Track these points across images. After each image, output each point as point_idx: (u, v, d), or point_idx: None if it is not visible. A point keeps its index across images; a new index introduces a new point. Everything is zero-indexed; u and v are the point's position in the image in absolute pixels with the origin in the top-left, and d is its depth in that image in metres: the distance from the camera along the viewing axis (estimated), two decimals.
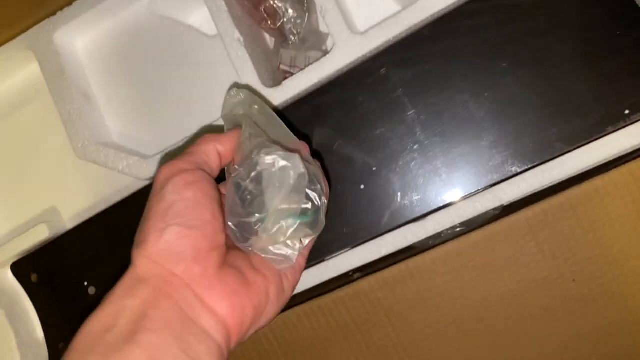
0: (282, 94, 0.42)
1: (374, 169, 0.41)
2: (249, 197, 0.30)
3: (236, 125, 0.35)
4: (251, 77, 0.42)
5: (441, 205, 0.40)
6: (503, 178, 0.39)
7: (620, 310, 0.39)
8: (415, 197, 0.40)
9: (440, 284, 0.40)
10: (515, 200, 0.39)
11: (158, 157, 0.44)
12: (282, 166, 0.30)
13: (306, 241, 0.31)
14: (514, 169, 0.39)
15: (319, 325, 0.42)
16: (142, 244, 0.28)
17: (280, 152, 0.30)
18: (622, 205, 0.37)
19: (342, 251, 0.42)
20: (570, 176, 0.38)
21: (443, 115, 0.40)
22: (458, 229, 0.42)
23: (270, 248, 0.30)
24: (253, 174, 0.30)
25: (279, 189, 0.29)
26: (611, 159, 0.38)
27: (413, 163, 0.40)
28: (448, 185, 0.40)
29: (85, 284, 0.47)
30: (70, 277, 0.47)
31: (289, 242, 0.30)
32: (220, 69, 0.46)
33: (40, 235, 0.48)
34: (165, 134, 0.48)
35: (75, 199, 0.50)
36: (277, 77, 0.46)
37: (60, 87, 0.47)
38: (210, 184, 0.30)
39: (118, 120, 0.49)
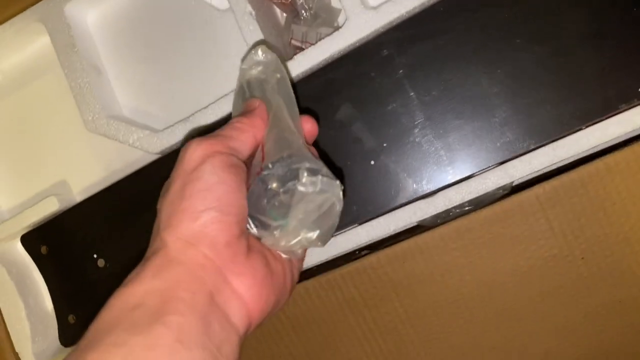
0: (293, 68, 0.42)
1: (385, 145, 0.41)
2: (276, 203, 0.29)
3: (250, 85, 0.34)
4: None
5: (451, 181, 0.40)
6: (514, 155, 0.39)
7: (629, 288, 0.39)
8: (426, 174, 0.40)
9: (449, 260, 0.40)
10: (525, 176, 0.39)
11: (169, 131, 0.44)
12: (322, 190, 0.29)
13: None
14: (526, 146, 0.38)
15: (327, 300, 0.42)
16: (176, 225, 0.27)
17: (324, 178, 0.29)
18: (634, 184, 0.37)
19: (351, 227, 0.42)
20: (581, 153, 0.38)
21: (455, 92, 0.40)
22: (467, 208, 0.42)
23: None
24: (290, 184, 0.29)
25: (310, 210, 0.29)
26: (624, 137, 0.38)
27: (424, 139, 0.40)
28: (459, 161, 0.40)
29: (95, 256, 0.47)
30: (79, 249, 0.48)
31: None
32: (231, 43, 0.46)
33: (50, 207, 0.48)
34: (175, 109, 0.48)
35: (85, 172, 0.50)
36: (289, 53, 0.46)
37: (71, 60, 0.47)
38: (244, 171, 0.30)
39: (128, 94, 0.49)
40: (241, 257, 0.28)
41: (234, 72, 0.46)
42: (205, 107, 0.44)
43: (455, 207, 0.41)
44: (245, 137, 0.31)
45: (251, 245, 0.29)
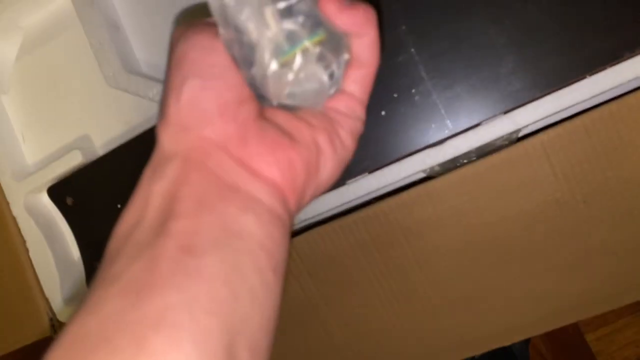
0: None
1: (395, 95, 0.43)
2: (238, 51, 0.24)
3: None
4: None
5: (459, 130, 0.41)
6: (521, 103, 0.40)
7: (627, 230, 0.41)
8: (434, 123, 0.42)
9: (456, 206, 0.42)
10: (530, 125, 0.41)
11: None
12: None
13: (341, 62, 0.25)
14: (532, 95, 0.40)
15: (339, 244, 0.44)
16: (163, 114, 0.23)
17: None
18: (635, 130, 0.39)
19: (363, 175, 0.44)
20: (585, 101, 0.40)
21: (463, 43, 0.41)
22: (473, 156, 0.44)
23: (293, 89, 0.24)
24: (220, 18, 0.24)
25: (248, 17, 0.23)
26: (628, 85, 0.39)
27: (433, 89, 0.42)
28: (466, 110, 0.41)
29: (119, 206, 0.49)
30: (104, 199, 0.50)
31: (310, 72, 0.24)
32: None
33: (74, 160, 0.50)
34: None
35: (106, 127, 0.52)
36: None
37: (90, 17, 0.49)
38: (216, 32, 0.25)
39: (146, 50, 0.51)
40: (245, 126, 0.23)
41: None
42: None
43: (462, 155, 0.43)
44: None
45: (265, 114, 0.25)
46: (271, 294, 0.21)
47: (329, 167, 0.26)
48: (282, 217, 0.23)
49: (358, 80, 0.27)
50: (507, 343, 0.46)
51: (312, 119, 0.26)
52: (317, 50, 0.24)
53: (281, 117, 0.25)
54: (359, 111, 0.29)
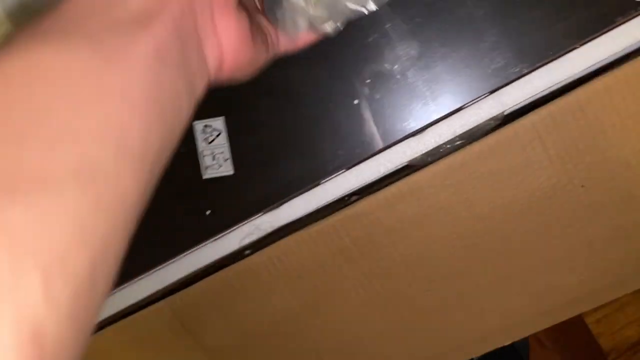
0: None
1: (368, 81, 0.38)
2: None
3: None
4: None
5: (441, 115, 0.37)
6: (506, 81, 0.36)
7: (630, 213, 0.37)
8: (413, 109, 0.38)
9: (442, 199, 0.38)
10: (519, 104, 0.37)
11: None
12: None
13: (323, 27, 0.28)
14: (518, 71, 0.36)
15: (318, 251, 0.40)
16: None
17: None
18: (634, 102, 0.35)
19: (339, 172, 0.40)
20: (578, 74, 0.36)
21: (439, 17, 0.37)
22: (458, 143, 0.40)
23: (285, 5, 0.27)
24: None
25: None
26: (622, 53, 0.36)
27: (410, 71, 0.37)
28: (448, 93, 0.37)
29: None
30: None
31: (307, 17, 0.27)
32: None
33: None
34: None
35: None
36: None
37: None
38: None
39: None
40: (232, 3, 0.24)
41: None
42: None
43: (446, 143, 0.39)
44: None
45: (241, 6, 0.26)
46: (181, 123, 0.22)
47: (250, 74, 0.27)
48: (210, 82, 0.24)
49: (286, 43, 0.30)
50: (506, 342, 0.42)
51: (267, 38, 0.27)
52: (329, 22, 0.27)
53: (252, 23, 0.26)
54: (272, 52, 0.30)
